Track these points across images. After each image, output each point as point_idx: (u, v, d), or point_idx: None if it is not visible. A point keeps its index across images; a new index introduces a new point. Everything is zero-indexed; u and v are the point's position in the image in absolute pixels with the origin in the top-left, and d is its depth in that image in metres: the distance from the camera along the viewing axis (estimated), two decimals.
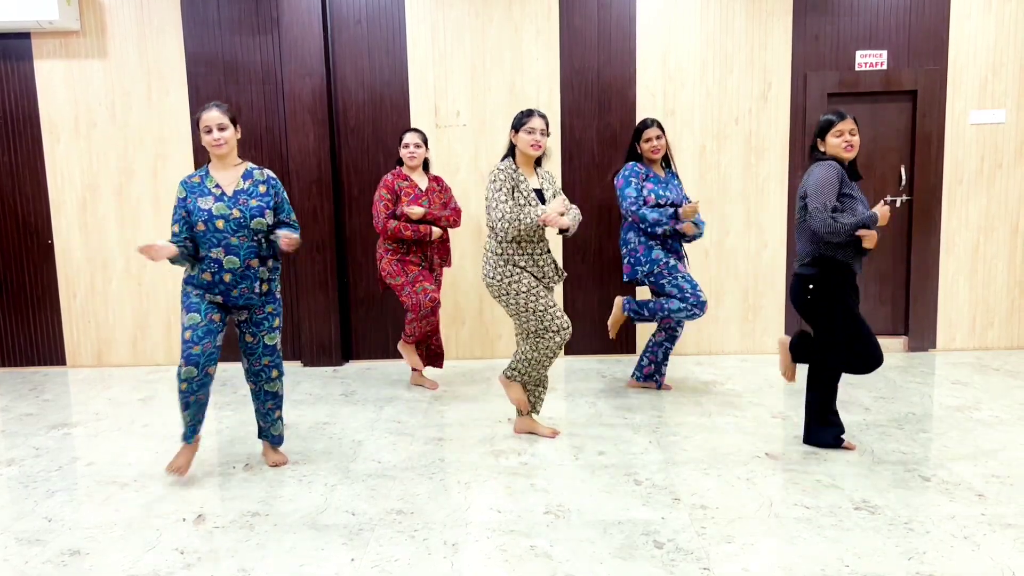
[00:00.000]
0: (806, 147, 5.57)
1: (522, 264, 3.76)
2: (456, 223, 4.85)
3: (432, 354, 5.05)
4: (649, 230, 4.42)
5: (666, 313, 4.48)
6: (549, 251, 3.86)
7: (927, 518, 3.00)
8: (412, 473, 3.58)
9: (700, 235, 4.57)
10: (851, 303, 3.57)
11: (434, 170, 5.58)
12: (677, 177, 4.69)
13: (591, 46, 5.61)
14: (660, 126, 4.53)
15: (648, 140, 4.50)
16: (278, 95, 5.65)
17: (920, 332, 5.80)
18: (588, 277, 5.77)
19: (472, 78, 5.62)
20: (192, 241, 3.41)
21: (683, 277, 4.45)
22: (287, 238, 3.37)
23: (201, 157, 5.70)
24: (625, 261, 4.58)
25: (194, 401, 3.42)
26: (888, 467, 3.52)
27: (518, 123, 3.76)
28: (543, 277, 3.82)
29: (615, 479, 3.45)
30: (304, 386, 5.19)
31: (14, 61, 5.67)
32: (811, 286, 3.56)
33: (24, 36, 5.62)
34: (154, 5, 5.60)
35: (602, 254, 5.73)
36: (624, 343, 5.84)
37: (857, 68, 5.59)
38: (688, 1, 5.56)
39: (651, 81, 5.62)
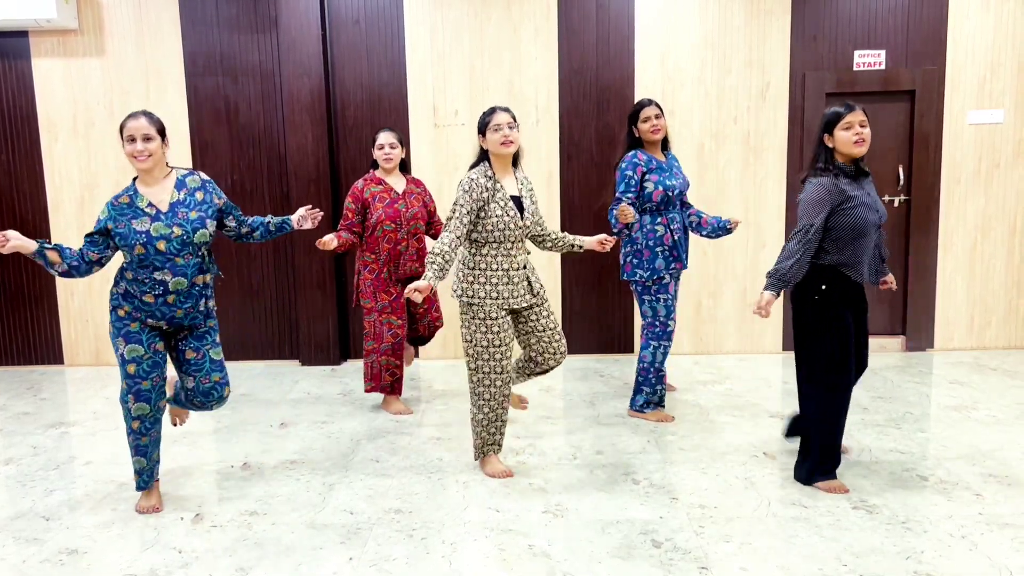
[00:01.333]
0: (804, 147, 5.59)
1: (495, 280, 3.37)
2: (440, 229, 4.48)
3: (420, 336, 4.74)
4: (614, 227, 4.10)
5: (647, 365, 4.22)
6: (526, 267, 3.47)
7: (925, 518, 3.00)
8: (410, 472, 3.58)
9: (727, 229, 4.24)
10: (845, 332, 3.21)
11: (434, 170, 5.58)
12: (676, 160, 4.37)
13: (590, 46, 5.61)
14: (658, 105, 4.13)
15: (647, 120, 4.08)
16: (276, 95, 5.65)
17: (918, 332, 5.80)
18: (586, 276, 5.76)
19: (471, 78, 5.62)
20: (96, 255, 3.09)
21: (665, 301, 4.13)
22: (309, 216, 3.48)
23: (199, 158, 5.70)
24: (627, 259, 4.18)
25: (148, 441, 3.19)
26: (886, 467, 3.52)
27: (482, 124, 3.40)
28: (515, 296, 3.41)
29: (613, 478, 3.45)
30: (302, 385, 5.19)
31: (12, 60, 5.66)
32: (823, 287, 3.20)
33: (22, 35, 5.62)
34: (152, 4, 5.59)
35: (600, 253, 5.71)
36: (623, 343, 5.84)
37: (855, 68, 5.60)
38: (686, 1, 5.56)
39: (650, 81, 5.62)
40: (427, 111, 5.64)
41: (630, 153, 4.14)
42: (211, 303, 3.27)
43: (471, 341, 3.40)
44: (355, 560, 2.76)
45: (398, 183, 4.42)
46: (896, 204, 5.74)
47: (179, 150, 5.68)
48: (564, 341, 3.67)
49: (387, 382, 4.45)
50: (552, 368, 3.72)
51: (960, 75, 5.58)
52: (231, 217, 3.31)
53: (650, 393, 4.27)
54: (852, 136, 3.12)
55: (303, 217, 3.48)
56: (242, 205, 5.71)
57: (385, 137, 4.36)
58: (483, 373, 3.42)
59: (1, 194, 5.78)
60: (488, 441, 3.54)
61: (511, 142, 3.37)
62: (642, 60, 5.61)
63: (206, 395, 3.27)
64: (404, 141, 4.48)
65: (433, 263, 3.19)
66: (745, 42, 5.59)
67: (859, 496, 3.20)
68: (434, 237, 4.50)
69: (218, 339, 3.33)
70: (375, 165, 4.46)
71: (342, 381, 5.28)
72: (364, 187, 4.34)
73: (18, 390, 5.29)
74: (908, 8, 5.55)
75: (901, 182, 5.72)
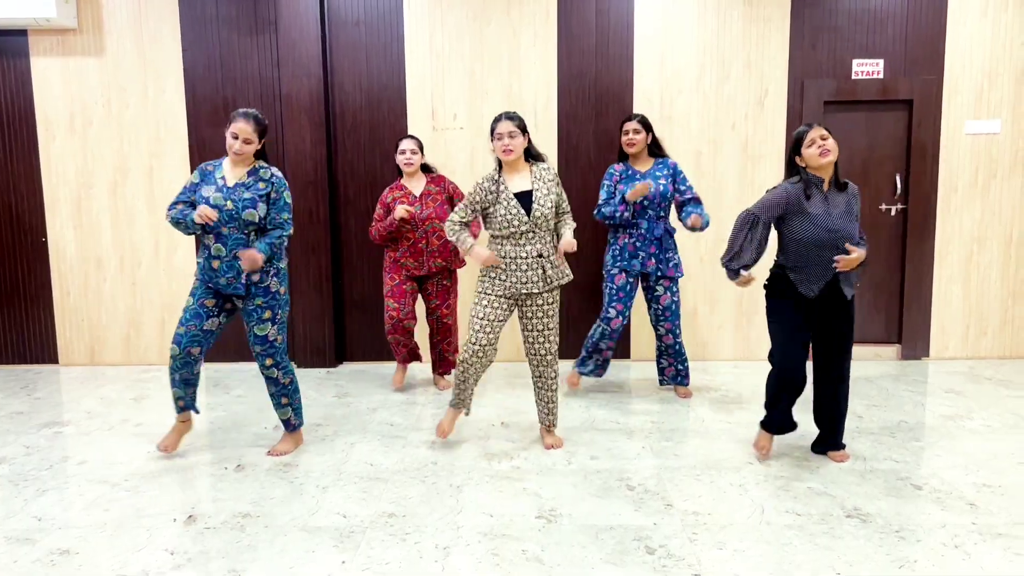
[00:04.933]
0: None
1: (505, 266, 3.69)
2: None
3: (442, 360, 5.09)
4: (614, 223, 4.58)
5: (593, 339, 4.73)
6: (541, 255, 3.69)
7: (918, 526, 3.00)
8: (404, 476, 3.58)
9: (707, 224, 4.47)
10: (789, 324, 3.55)
11: None
12: (669, 167, 4.60)
13: (589, 51, 5.62)
14: (642, 121, 4.58)
15: (626, 133, 4.61)
16: (275, 96, 5.65)
17: (913, 340, 5.81)
18: (583, 281, 5.76)
19: (470, 81, 5.63)
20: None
21: (609, 290, 4.63)
22: (247, 258, 3.49)
23: (196, 158, 5.69)
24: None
25: (179, 379, 3.71)
26: (880, 475, 3.52)
27: (490, 132, 3.71)
28: (523, 282, 3.69)
29: (607, 484, 3.45)
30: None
31: (10, 58, 5.65)
32: (766, 281, 3.64)
33: (21, 33, 5.61)
34: (151, 3, 5.59)
35: (597, 258, 5.72)
36: (620, 348, 5.83)
37: (854, 77, 5.61)
38: (685, 7, 5.57)
39: (648, 86, 5.63)
40: (426, 114, 5.64)
41: (612, 166, 4.70)
42: (258, 278, 3.64)
43: (472, 310, 3.77)
44: (348, 563, 2.76)
45: (416, 186, 4.81)
46: (893, 213, 5.76)
47: (176, 150, 5.68)
48: (551, 347, 3.85)
49: (397, 357, 5.02)
50: (540, 373, 3.88)
51: (958, 85, 5.60)
52: (275, 209, 3.65)
53: (584, 357, 4.83)
54: (816, 150, 3.43)
55: (247, 256, 3.59)
56: None
57: (406, 144, 4.78)
58: (471, 332, 3.75)
59: None
60: (454, 397, 3.92)
61: (510, 151, 3.64)
62: (641, 66, 5.62)
63: (257, 360, 3.78)
64: (423, 147, 4.91)
65: (456, 228, 3.75)
66: (744, 49, 5.60)
67: (853, 504, 3.20)
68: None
69: (266, 317, 3.68)
70: (400, 171, 4.87)
71: (337, 384, 5.27)
72: (388, 194, 4.80)
73: (12, 389, 5.27)
74: (907, 17, 5.57)
75: (898, 191, 5.73)
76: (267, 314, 3.68)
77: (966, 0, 5.53)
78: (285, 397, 3.87)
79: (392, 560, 2.78)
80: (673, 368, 4.84)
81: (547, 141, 5.65)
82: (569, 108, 5.65)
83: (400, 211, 4.59)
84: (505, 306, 3.74)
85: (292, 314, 5.75)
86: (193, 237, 3.92)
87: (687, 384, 4.87)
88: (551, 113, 5.64)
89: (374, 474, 3.60)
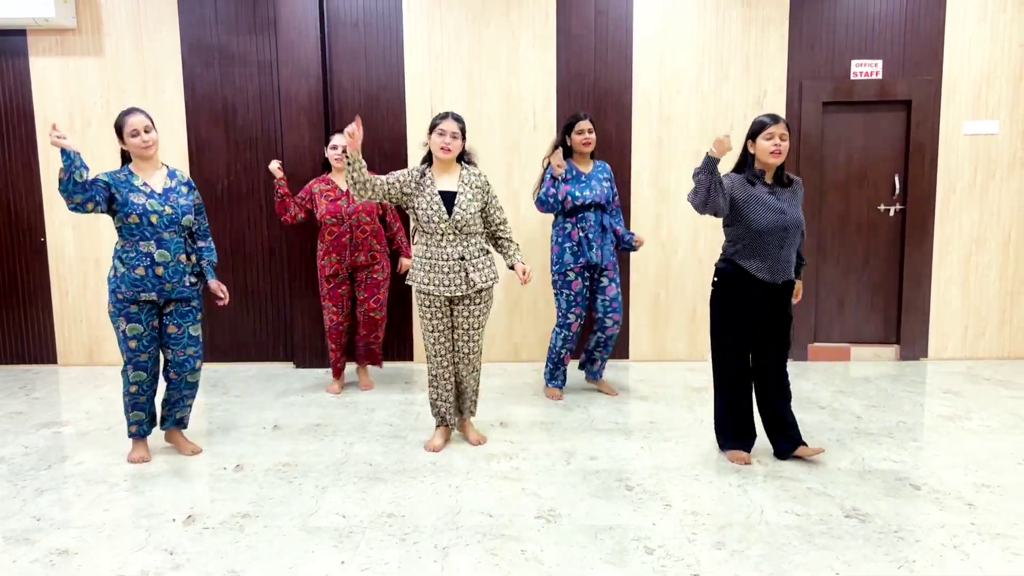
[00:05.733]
0: (799, 156, 5.61)
1: (427, 267, 3.67)
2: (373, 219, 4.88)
3: (367, 352, 5.14)
4: (551, 208, 4.50)
5: (550, 346, 4.78)
6: (463, 258, 3.67)
7: (917, 527, 3.01)
8: (403, 476, 3.58)
9: (631, 246, 4.76)
10: (740, 318, 3.54)
11: None
12: (607, 170, 4.72)
13: (588, 52, 5.62)
14: (592, 120, 4.58)
15: (580, 132, 4.52)
16: (274, 95, 5.65)
17: (912, 341, 5.82)
18: None
19: (468, 82, 5.63)
20: (90, 191, 3.40)
21: (567, 296, 4.61)
22: (222, 291, 3.80)
23: (196, 159, 5.69)
24: (550, 256, 4.69)
25: (145, 400, 3.75)
26: (879, 475, 3.53)
27: (431, 125, 3.71)
28: (445, 284, 3.67)
29: (606, 484, 3.45)
30: (297, 387, 5.18)
31: (9, 58, 5.65)
32: (716, 279, 3.60)
33: (20, 33, 5.61)
34: (150, 3, 5.58)
35: None
36: (617, 349, 5.83)
37: (852, 77, 5.62)
38: (684, 8, 5.58)
39: (647, 87, 5.63)
40: (424, 114, 5.64)
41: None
42: (196, 280, 3.73)
43: (420, 321, 3.82)
44: (347, 563, 2.76)
45: (343, 181, 4.90)
46: (891, 213, 5.76)
47: (176, 150, 5.68)
48: (474, 346, 3.86)
49: (334, 361, 5.06)
50: (459, 371, 3.90)
51: (956, 86, 5.61)
52: (201, 216, 3.80)
53: (552, 370, 4.82)
54: (770, 146, 3.45)
55: (218, 287, 3.84)
56: (237, 206, 5.72)
57: (338, 139, 4.85)
58: (426, 352, 3.85)
59: None
60: (434, 415, 3.96)
61: (448, 150, 3.66)
62: (640, 66, 5.62)
63: (180, 366, 3.73)
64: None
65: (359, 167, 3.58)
66: (742, 50, 5.60)
67: (852, 504, 3.21)
68: (388, 228, 5.02)
69: (200, 317, 3.77)
70: (328, 166, 4.99)
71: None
72: (314, 184, 4.93)
73: (11, 389, 5.27)
74: (905, 18, 5.57)
75: (897, 191, 5.74)
76: (200, 315, 3.78)
77: (964, 1, 5.54)
78: (193, 399, 3.91)
79: (391, 560, 2.78)
80: (602, 362, 4.89)
81: (546, 142, 5.65)
82: (568, 109, 5.64)
83: (272, 166, 4.85)
84: (447, 311, 3.79)
85: (291, 314, 5.75)
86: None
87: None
88: (550, 114, 5.64)
89: (373, 474, 3.61)
